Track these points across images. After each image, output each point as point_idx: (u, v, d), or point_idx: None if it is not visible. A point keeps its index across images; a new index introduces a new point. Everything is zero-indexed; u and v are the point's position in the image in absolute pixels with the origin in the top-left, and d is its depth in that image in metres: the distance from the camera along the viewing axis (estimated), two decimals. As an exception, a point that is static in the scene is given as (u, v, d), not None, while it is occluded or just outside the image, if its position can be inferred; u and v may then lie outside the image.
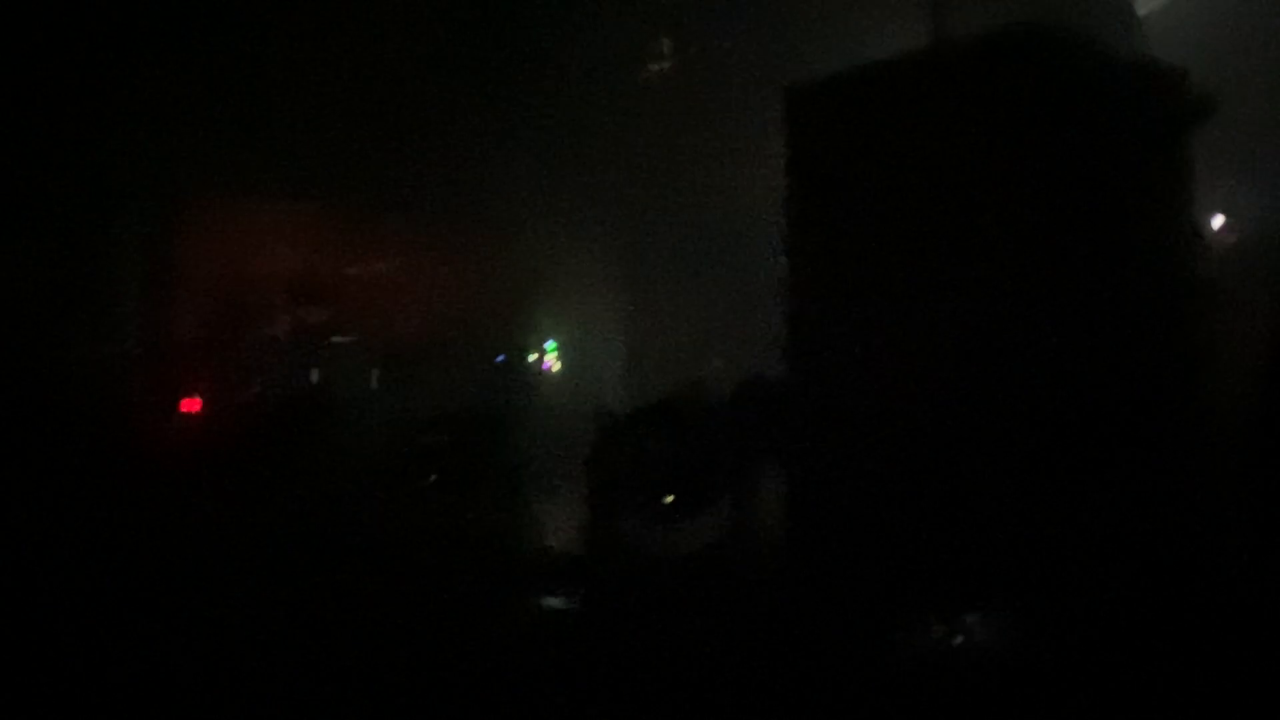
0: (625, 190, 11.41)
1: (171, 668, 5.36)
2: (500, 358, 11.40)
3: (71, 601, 6.14)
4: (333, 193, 10.79)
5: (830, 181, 5.83)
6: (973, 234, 5.23)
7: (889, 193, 5.54)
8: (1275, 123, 8.37)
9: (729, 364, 9.27)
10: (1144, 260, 5.51)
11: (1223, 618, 4.97)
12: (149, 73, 9.60)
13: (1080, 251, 5.28)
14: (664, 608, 6.21)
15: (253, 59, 10.06)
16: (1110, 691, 4.59)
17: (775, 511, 6.48)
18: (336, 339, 10.35)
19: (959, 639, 5.32)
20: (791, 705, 4.81)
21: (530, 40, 10.77)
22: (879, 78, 5.68)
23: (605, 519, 7.38)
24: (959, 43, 5.48)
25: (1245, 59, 7.87)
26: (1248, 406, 5.84)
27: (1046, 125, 5.16)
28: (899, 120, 5.53)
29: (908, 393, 5.42)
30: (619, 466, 7.43)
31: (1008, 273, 5.17)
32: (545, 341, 12.26)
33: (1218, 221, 8.70)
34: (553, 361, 12.30)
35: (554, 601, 6.77)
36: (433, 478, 8.82)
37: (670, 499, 7.15)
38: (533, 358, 12.10)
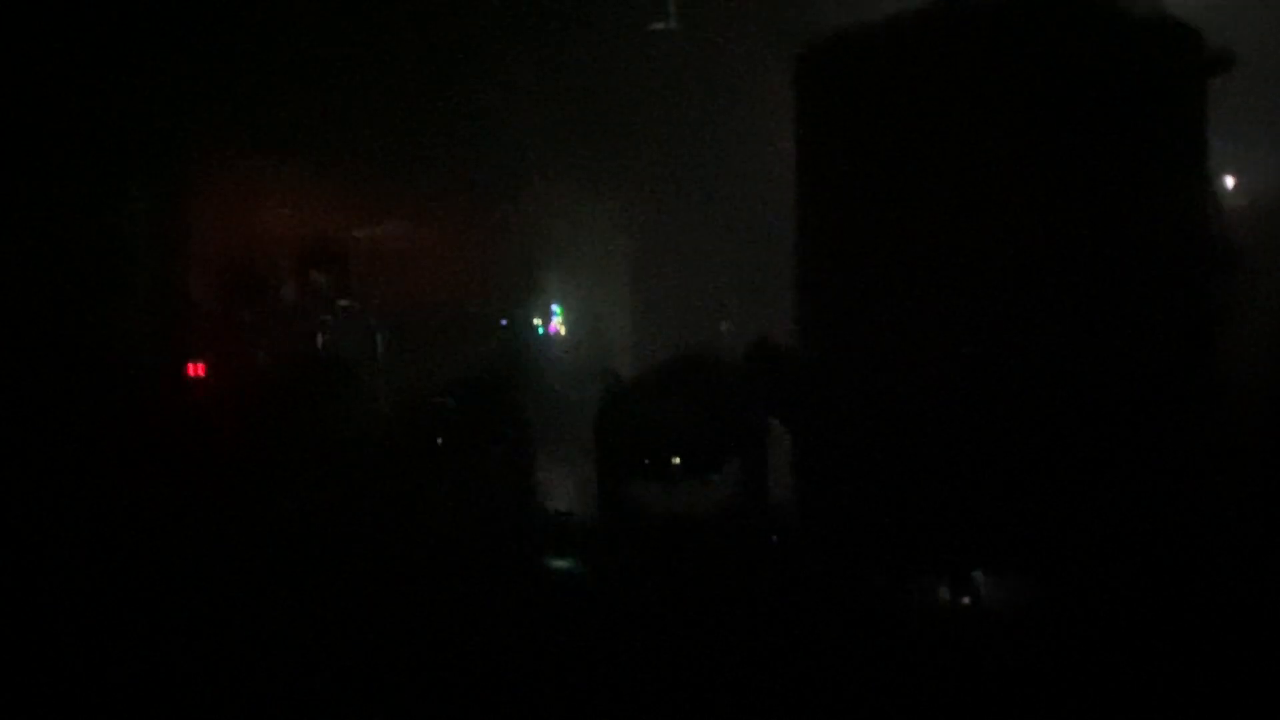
0: (633, 153, 11.33)
1: (178, 623, 5.39)
2: (504, 321, 11.35)
3: (75, 559, 6.16)
4: (339, 156, 10.73)
5: (842, 142, 5.77)
6: (986, 194, 5.18)
7: (900, 153, 5.49)
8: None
9: (738, 326, 9.24)
10: (1158, 219, 5.45)
11: (1228, 586, 4.97)
12: (157, 32, 9.53)
13: (1094, 212, 5.23)
14: (672, 570, 6.21)
15: (262, 22, 9.98)
16: (1117, 652, 4.59)
17: (783, 474, 6.47)
18: (343, 303, 10.31)
19: (965, 600, 5.33)
20: (800, 666, 4.82)
21: (532, 10, 10.67)
22: (891, 36, 5.60)
23: (612, 481, 7.37)
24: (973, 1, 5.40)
25: (1259, 16, 7.77)
26: (1261, 370, 5.82)
27: (1062, 81, 5.10)
28: (911, 80, 5.46)
29: (917, 355, 5.39)
30: (626, 429, 7.41)
31: (1021, 232, 5.13)
32: (552, 305, 12.22)
33: (1230, 182, 8.62)
34: (559, 325, 12.27)
35: (561, 564, 6.78)
36: (439, 441, 8.80)
37: (677, 461, 7.14)
38: (538, 321, 12.06)
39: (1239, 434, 5.76)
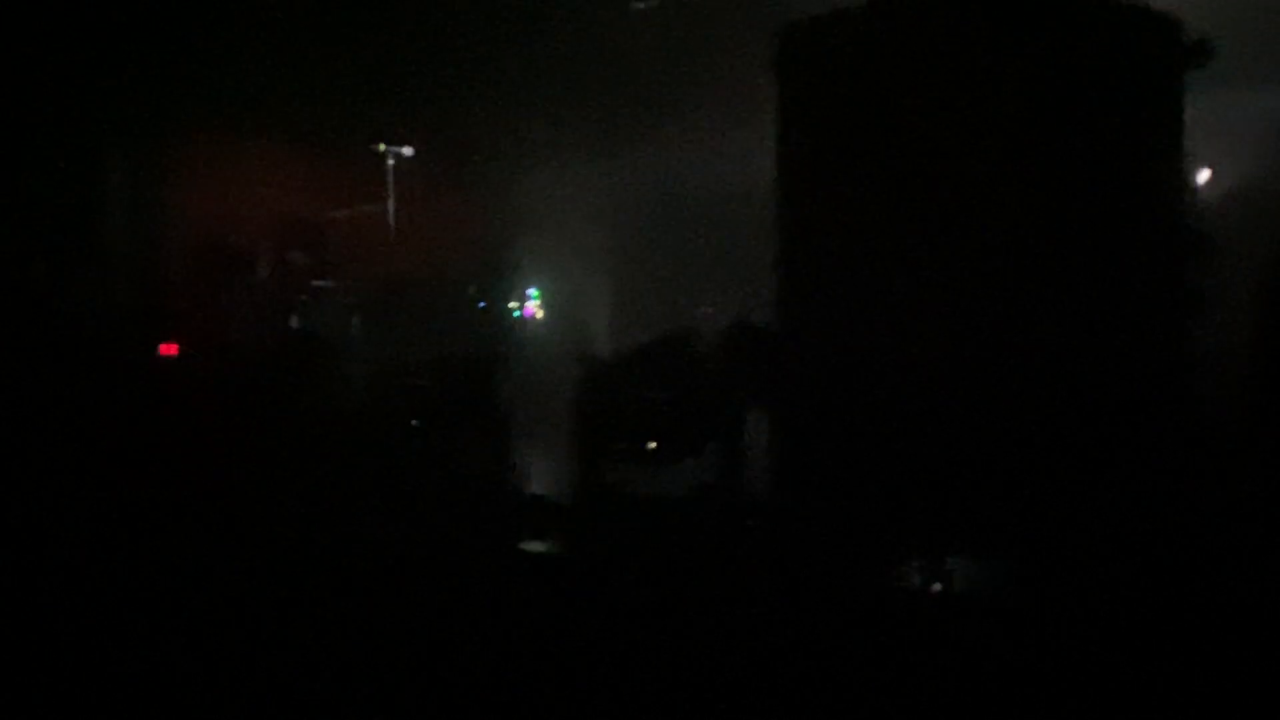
0: (612, 135, 11.30)
1: (151, 606, 5.35)
2: (481, 304, 11.30)
3: (47, 543, 6.11)
4: (316, 136, 10.66)
5: (822, 126, 5.76)
6: (966, 177, 5.20)
7: (879, 138, 5.49)
8: (1261, 77, 8.35)
9: (717, 310, 9.24)
10: (1134, 208, 5.49)
11: (1203, 578, 5.01)
12: (133, 13, 9.43)
13: (1070, 200, 5.25)
14: (648, 553, 6.22)
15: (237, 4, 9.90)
16: (1093, 644, 4.63)
17: (761, 458, 6.48)
18: (318, 283, 10.24)
19: (937, 587, 5.36)
20: (775, 650, 4.84)
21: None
22: (872, 17, 5.60)
23: (589, 465, 7.37)
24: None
25: (1236, 11, 7.82)
26: (1237, 365, 5.89)
27: (1044, 66, 5.11)
28: (891, 65, 5.46)
29: (897, 340, 5.40)
30: (604, 412, 7.40)
31: (1000, 217, 5.15)
32: (529, 288, 12.18)
33: (1204, 175, 8.69)
34: (535, 308, 12.23)
35: (537, 546, 6.77)
36: (414, 423, 8.77)
37: (654, 445, 7.14)
38: (515, 304, 12.02)
39: (1213, 426, 5.81)
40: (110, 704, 4.49)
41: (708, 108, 10.28)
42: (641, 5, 10.62)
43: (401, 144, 10.91)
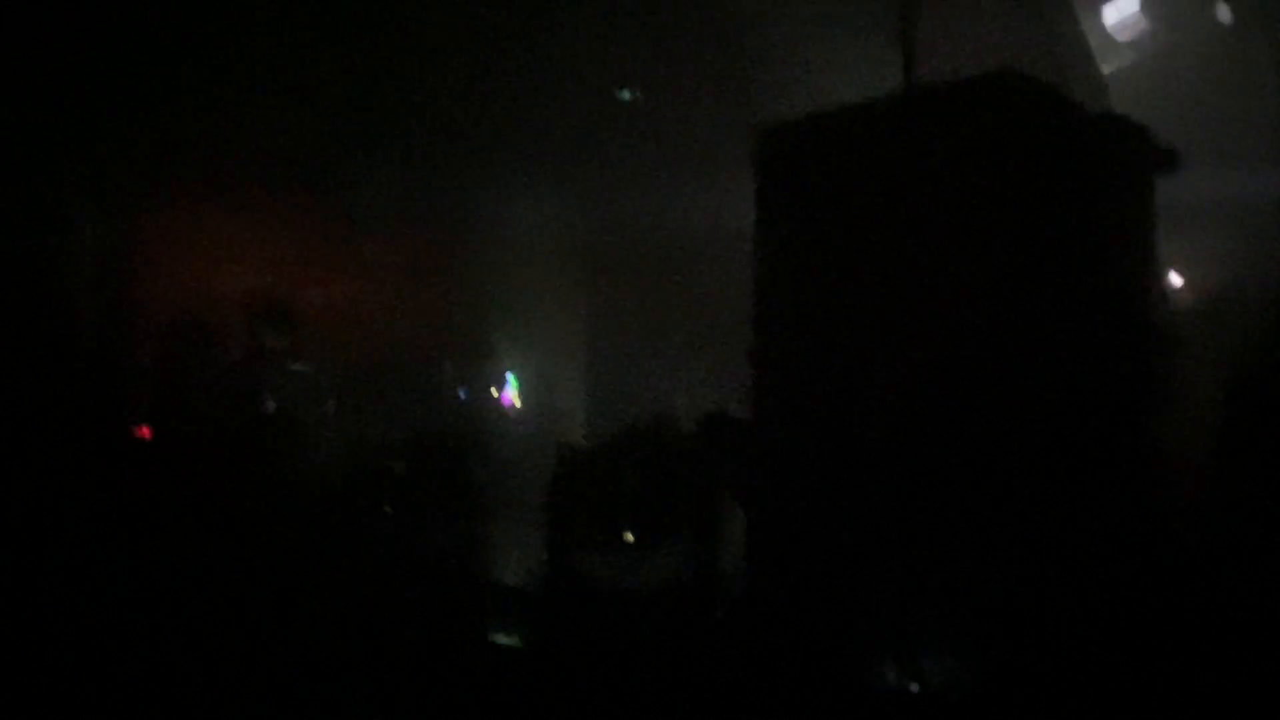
0: (591, 224, 11.40)
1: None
2: (461, 393, 11.29)
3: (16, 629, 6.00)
4: (293, 215, 10.69)
5: (799, 222, 5.85)
6: (941, 278, 5.27)
7: (857, 235, 5.58)
8: (1229, 182, 8.54)
9: (691, 401, 9.25)
10: (1108, 312, 5.57)
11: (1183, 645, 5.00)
12: (104, 77, 9.44)
13: (1043, 296, 5.33)
14: (620, 644, 6.15)
15: (213, 71, 9.94)
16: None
17: (735, 549, 6.45)
18: (295, 366, 10.19)
19: (914, 686, 5.31)
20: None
21: (494, 70, 10.76)
22: (850, 121, 5.73)
23: (562, 554, 7.31)
24: (931, 88, 5.54)
25: (1204, 121, 8.03)
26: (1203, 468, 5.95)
27: (1016, 173, 5.22)
28: (869, 164, 5.58)
29: (872, 433, 5.43)
30: (578, 501, 7.36)
31: (975, 319, 5.21)
32: (506, 373, 12.17)
33: (1177, 280, 8.83)
34: (513, 397, 12.20)
35: (507, 638, 6.69)
36: (386, 509, 8.69)
37: (630, 537, 7.10)
38: (492, 389, 12.00)
39: (1177, 522, 5.85)
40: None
41: (685, 203, 10.40)
42: (626, 96, 10.80)
43: (381, 225, 10.96)
